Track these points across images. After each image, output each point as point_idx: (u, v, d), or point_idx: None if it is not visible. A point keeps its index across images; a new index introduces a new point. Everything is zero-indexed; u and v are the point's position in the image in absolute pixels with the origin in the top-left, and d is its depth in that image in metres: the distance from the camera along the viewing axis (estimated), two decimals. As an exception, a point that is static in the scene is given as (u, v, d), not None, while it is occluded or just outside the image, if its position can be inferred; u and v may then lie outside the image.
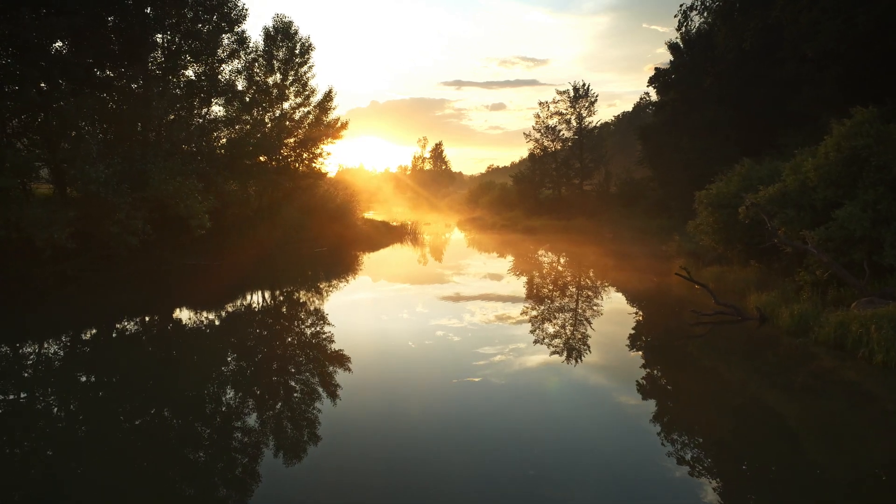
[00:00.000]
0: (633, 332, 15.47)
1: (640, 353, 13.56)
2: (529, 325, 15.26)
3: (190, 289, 20.33)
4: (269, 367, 11.70)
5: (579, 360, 12.25)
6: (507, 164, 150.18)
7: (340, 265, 28.39)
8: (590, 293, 21.37)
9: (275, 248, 29.75)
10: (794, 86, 32.36)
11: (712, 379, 11.67)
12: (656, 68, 39.94)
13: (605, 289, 22.24)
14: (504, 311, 16.80)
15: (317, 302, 19.52)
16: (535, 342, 13.54)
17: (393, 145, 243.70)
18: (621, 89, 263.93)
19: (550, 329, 15.03)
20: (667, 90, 39.81)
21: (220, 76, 26.12)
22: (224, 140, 27.33)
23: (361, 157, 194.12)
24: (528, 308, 17.49)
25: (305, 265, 27.78)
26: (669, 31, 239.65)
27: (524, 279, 24.08)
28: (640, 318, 17.08)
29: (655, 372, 11.92)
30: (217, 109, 26.59)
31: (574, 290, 21.90)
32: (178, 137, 20.07)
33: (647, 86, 40.98)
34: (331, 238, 33.68)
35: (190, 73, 25.13)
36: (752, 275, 18.53)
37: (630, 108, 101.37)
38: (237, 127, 29.29)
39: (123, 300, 17.99)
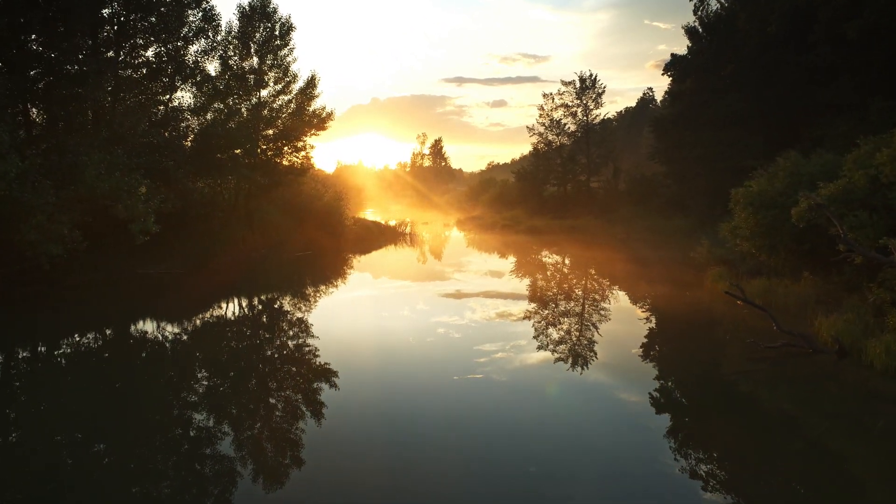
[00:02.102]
0: (654, 346, 12.86)
1: (655, 365, 12.04)
2: (548, 354, 12.24)
3: (142, 303, 17.27)
4: (266, 370, 11.52)
5: (593, 377, 11.16)
6: (508, 160, 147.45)
7: (320, 273, 25.32)
8: (610, 307, 18.20)
9: (251, 252, 26.69)
10: (828, 72, 29.21)
11: (758, 412, 9.15)
12: (672, 54, 36.85)
13: (629, 303, 19.09)
14: (517, 344, 13.69)
15: (297, 312, 16.53)
16: (549, 365, 10.89)
17: (394, 142, 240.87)
18: (623, 86, 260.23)
19: (566, 350, 12.00)
20: (684, 78, 36.60)
21: (185, 58, 22.97)
22: (194, 130, 24.18)
23: (362, 153, 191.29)
24: (540, 326, 14.40)
25: (283, 272, 24.69)
26: (671, 28, 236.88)
27: (534, 288, 20.90)
28: (670, 335, 14.03)
29: (670, 383, 10.97)
30: (183, 96, 23.45)
31: (592, 304, 18.72)
32: (123, 125, 16.93)
33: (662, 73, 37.85)
34: (316, 241, 30.60)
35: (150, 53, 22.03)
36: (807, 290, 15.42)
37: (633, 104, 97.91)
38: (209, 117, 26.17)
39: (53, 320, 14.95)
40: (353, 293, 20.18)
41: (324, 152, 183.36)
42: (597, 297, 20.09)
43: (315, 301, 19.24)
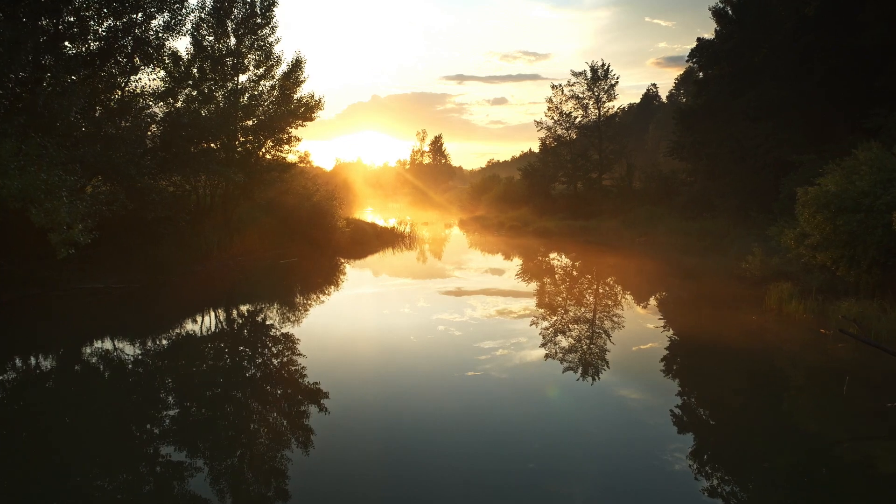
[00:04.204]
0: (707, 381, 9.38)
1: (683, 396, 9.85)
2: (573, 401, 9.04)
3: (73, 324, 13.94)
4: (266, 367, 11.40)
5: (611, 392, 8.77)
6: (508, 158, 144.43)
7: (306, 281, 22.00)
8: (642, 331, 14.81)
9: (229, 260, 23.37)
10: (883, 55, 25.87)
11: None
12: (699, 39, 33.51)
13: (669, 326, 15.66)
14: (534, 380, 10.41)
15: (281, 324, 13.23)
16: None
17: (394, 140, 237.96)
18: (623, 84, 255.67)
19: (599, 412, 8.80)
20: (711, 65, 33.22)
21: (147, 34, 19.58)
22: (156, 119, 20.82)
23: (362, 151, 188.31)
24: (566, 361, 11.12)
25: (263, 281, 21.36)
26: (672, 25, 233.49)
27: (559, 308, 17.58)
28: (728, 368, 10.70)
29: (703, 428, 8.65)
30: (141, 79, 20.04)
31: (620, 327, 15.31)
32: (51, 109, 13.55)
33: (687, 60, 34.53)
34: (304, 245, 27.31)
35: (103, 28, 18.61)
36: (916, 317, 12.08)
37: (634, 102, 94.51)
38: (179, 105, 22.87)
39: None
40: (341, 307, 16.92)
41: (323, 150, 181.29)
42: (626, 318, 16.73)
43: (301, 310, 17.03)
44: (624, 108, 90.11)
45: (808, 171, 22.57)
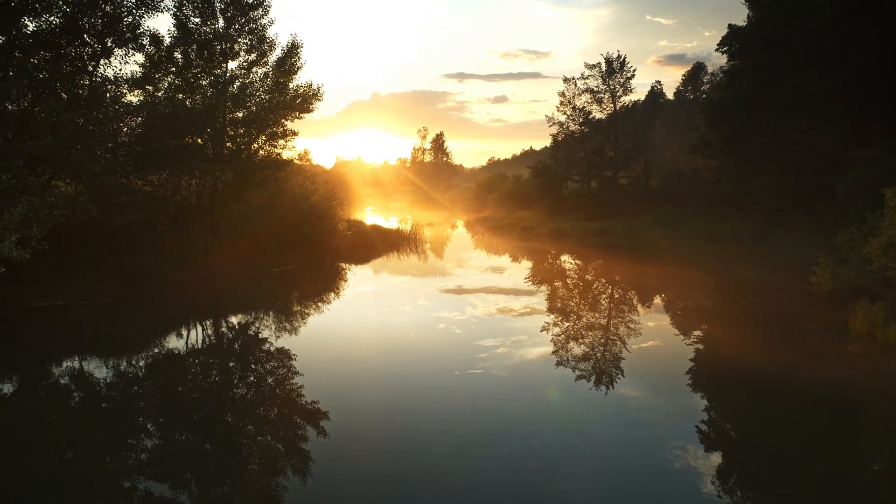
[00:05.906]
0: None
1: None
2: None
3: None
4: (272, 370, 11.03)
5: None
6: (509, 156, 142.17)
7: (301, 294, 19.45)
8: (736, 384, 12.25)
9: (216, 268, 20.86)
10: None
11: None
12: (730, 25, 30.88)
13: (749, 363, 13.07)
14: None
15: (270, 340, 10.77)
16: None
17: (394, 138, 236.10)
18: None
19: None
20: (743, 54, 30.58)
21: (120, 12, 17.01)
22: (131, 110, 18.25)
23: (362, 149, 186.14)
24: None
25: (251, 295, 18.82)
26: (673, 23, 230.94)
27: (597, 335, 15.05)
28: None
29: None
30: (118, 64, 17.52)
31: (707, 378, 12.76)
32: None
33: (716, 49, 31.93)
34: (300, 250, 24.79)
35: (68, 2, 16.04)
36: None
37: (637, 100, 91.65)
38: (160, 94, 20.33)
39: None
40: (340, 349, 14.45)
41: (323, 148, 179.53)
42: (664, 335, 14.18)
43: (299, 318, 14.76)
44: (628, 105, 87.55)
45: (873, 168, 20.16)
